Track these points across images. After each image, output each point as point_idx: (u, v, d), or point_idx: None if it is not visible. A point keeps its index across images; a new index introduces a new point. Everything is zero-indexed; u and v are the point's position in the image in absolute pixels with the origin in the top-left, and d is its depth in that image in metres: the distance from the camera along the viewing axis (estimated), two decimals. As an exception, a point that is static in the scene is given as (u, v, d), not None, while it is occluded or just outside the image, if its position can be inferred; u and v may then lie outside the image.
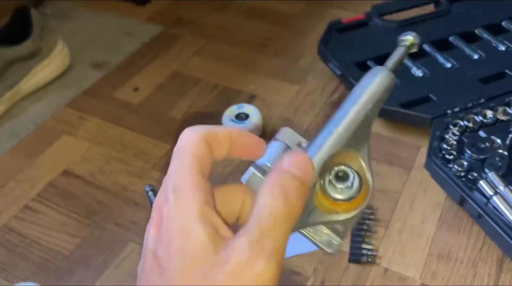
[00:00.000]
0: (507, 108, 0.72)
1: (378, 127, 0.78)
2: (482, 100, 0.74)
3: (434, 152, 0.67)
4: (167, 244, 0.27)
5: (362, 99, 0.32)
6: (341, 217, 0.31)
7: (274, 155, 0.32)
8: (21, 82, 0.85)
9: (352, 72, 0.81)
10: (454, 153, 0.67)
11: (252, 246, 0.26)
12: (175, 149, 0.30)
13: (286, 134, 0.33)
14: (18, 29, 0.86)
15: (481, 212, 0.61)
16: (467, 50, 0.84)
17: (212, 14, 1.07)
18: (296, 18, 1.05)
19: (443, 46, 0.85)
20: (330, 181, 0.31)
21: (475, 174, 0.64)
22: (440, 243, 0.63)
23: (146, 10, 1.08)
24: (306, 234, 0.32)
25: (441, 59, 0.83)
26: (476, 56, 0.83)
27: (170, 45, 0.98)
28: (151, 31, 1.02)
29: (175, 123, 0.82)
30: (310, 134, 0.78)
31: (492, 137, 0.68)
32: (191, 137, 0.30)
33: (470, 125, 0.70)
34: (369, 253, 0.61)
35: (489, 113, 0.71)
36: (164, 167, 0.73)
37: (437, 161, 0.66)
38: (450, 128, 0.70)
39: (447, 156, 0.66)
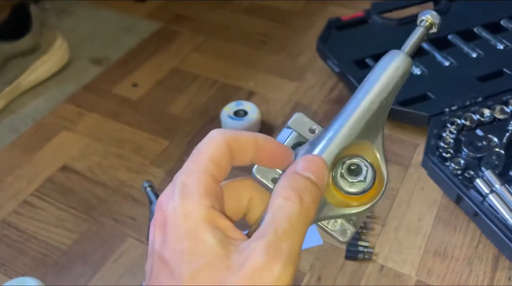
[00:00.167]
0: (504, 107, 0.72)
1: (376, 124, 0.78)
2: (480, 99, 0.74)
3: (431, 150, 0.67)
4: (174, 247, 0.27)
5: (376, 88, 0.30)
6: (354, 210, 0.30)
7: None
8: (20, 78, 0.85)
9: (351, 70, 0.81)
10: (451, 151, 0.67)
11: (269, 250, 0.26)
12: (196, 147, 0.30)
13: (298, 120, 0.33)
14: (18, 24, 0.86)
15: (477, 210, 0.61)
16: (466, 49, 0.84)
17: (212, 11, 1.07)
18: (295, 15, 1.05)
19: (442, 44, 0.85)
20: (342, 175, 0.30)
21: (472, 173, 0.64)
22: (436, 240, 0.63)
23: (145, 6, 1.08)
24: (319, 223, 0.31)
25: (439, 57, 0.83)
26: (474, 55, 0.83)
27: (169, 41, 0.98)
28: (150, 27, 1.02)
29: (174, 119, 0.82)
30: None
31: (489, 135, 0.68)
32: (214, 140, 0.29)
33: (468, 123, 0.71)
34: (366, 250, 0.61)
35: (487, 112, 0.72)
36: (162, 163, 0.74)
37: (434, 159, 0.66)
38: (447, 126, 0.70)
39: (444, 154, 0.67)
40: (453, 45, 0.86)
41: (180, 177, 0.29)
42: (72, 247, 0.64)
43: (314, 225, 0.31)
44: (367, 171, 0.29)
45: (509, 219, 0.59)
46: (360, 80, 0.86)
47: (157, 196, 0.59)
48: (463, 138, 0.69)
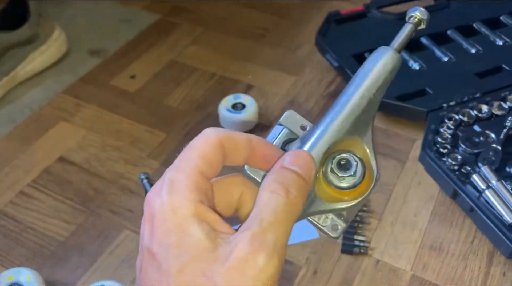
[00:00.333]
0: (502, 103, 0.72)
1: (374, 119, 0.78)
2: (478, 95, 0.74)
3: (429, 146, 0.67)
4: (161, 240, 0.27)
5: (365, 84, 0.31)
6: (344, 205, 0.31)
7: (276, 142, 0.32)
8: (17, 68, 0.85)
9: (349, 64, 0.81)
10: (449, 146, 0.67)
11: (253, 241, 0.26)
12: (189, 144, 0.30)
13: (290, 118, 0.33)
14: (15, 15, 0.85)
15: (473, 205, 0.61)
16: (465, 44, 0.84)
17: (210, 3, 1.06)
18: (294, 8, 1.04)
19: (441, 39, 0.85)
20: (332, 170, 0.30)
21: (469, 168, 0.65)
22: (432, 235, 0.63)
23: (144, -2, 1.08)
24: (310, 219, 0.31)
25: (438, 52, 0.83)
26: (473, 50, 0.83)
27: (167, 33, 0.98)
28: (148, 19, 1.02)
29: (171, 111, 0.82)
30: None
31: (487, 131, 0.69)
32: (207, 137, 0.29)
33: (465, 119, 0.71)
34: (362, 244, 0.62)
35: (485, 108, 0.72)
36: (159, 155, 0.74)
37: (431, 154, 0.66)
38: (445, 122, 0.70)
39: (441, 150, 0.67)
40: (452, 40, 0.86)
41: (169, 173, 0.29)
42: (68, 238, 0.64)
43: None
44: (356, 166, 0.30)
45: (505, 215, 0.59)
46: (358, 74, 0.85)
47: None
48: (460, 134, 0.69)
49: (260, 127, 0.78)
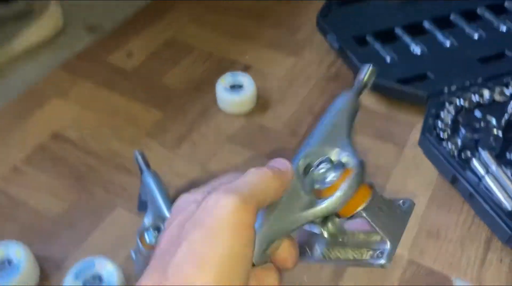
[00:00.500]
0: (504, 89, 0.71)
1: (374, 102, 0.77)
2: (480, 80, 0.73)
3: (429, 130, 0.66)
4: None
5: (327, 118, 0.39)
6: (329, 200, 0.34)
7: None
8: (11, 43, 0.83)
9: (350, 46, 0.79)
10: (449, 131, 0.66)
11: (218, 192, 0.31)
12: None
13: None
14: (10, -13, 0.84)
15: (473, 191, 0.61)
16: (468, 29, 0.83)
17: (211, -18, 1.04)
18: (296, -11, 1.02)
19: (444, 24, 0.84)
20: (312, 175, 0.35)
21: (469, 154, 0.64)
22: (430, 221, 0.63)
23: (143, -25, 1.06)
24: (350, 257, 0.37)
25: (440, 37, 0.82)
26: (476, 36, 0.82)
27: (165, 11, 0.96)
28: (147, -4, 1.00)
29: (168, 90, 0.80)
30: (305, 107, 0.77)
31: (488, 117, 0.68)
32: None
33: (466, 104, 0.70)
34: (358, 227, 0.61)
35: (486, 93, 0.71)
36: (156, 134, 0.72)
37: (431, 138, 0.65)
38: (445, 107, 0.69)
39: (441, 134, 0.66)
40: (455, 25, 0.84)
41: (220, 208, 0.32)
42: (61, 215, 0.63)
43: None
44: (330, 165, 0.35)
45: (504, 201, 0.59)
46: (359, 56, 0.84)
47: (148, 165, 0.58)
48: (461, 119, 0.68)
49: (258, 108, 0.77)
